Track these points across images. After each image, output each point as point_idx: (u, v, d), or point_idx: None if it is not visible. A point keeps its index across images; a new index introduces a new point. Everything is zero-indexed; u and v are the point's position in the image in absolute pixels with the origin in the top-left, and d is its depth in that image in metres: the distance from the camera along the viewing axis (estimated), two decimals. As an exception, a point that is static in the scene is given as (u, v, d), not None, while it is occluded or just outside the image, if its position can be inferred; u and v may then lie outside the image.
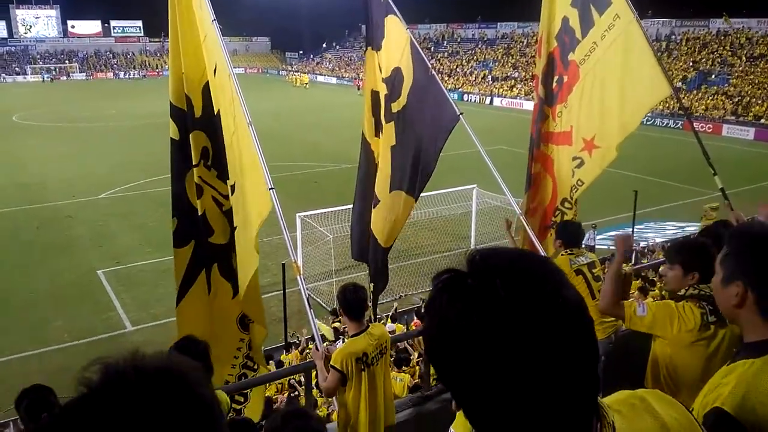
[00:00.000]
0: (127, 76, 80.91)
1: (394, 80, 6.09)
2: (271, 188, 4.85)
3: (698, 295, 3.06)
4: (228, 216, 5.18)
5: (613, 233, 17.54)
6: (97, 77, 79.25)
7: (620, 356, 4.69)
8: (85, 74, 79.96)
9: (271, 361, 9.51)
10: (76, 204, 21.76)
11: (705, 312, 2.99)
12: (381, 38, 6.26)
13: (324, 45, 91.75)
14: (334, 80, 74.77)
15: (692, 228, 8.70)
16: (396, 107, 6.08)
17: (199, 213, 5.18)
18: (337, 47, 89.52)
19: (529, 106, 49.70)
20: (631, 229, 15.85)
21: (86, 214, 20.68)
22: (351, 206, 14.97)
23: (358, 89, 64.13)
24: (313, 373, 4.87)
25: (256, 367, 5.25)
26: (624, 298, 3.46)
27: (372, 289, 6.60)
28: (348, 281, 4.72)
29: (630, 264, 11.25)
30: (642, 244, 15.32)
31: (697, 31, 50.72)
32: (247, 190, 4.82)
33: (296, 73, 77.02)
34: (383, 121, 6.27)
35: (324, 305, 13.06)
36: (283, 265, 11.60)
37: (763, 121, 37.54)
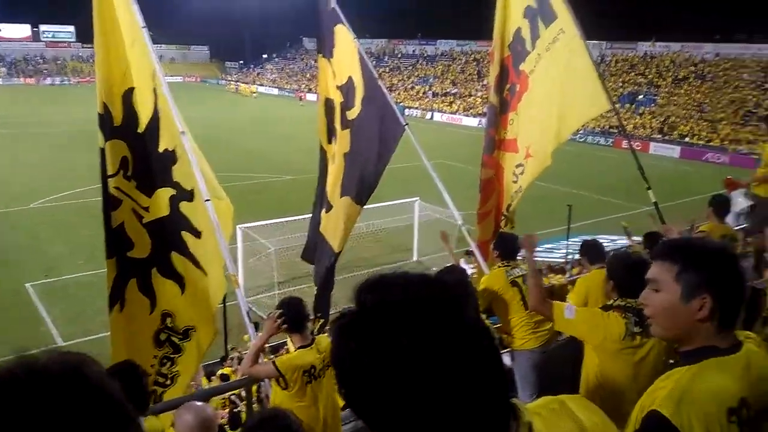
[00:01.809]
0: (58, 82, 77.55)
1: (348, 88, 6.17)
2: (207, 200, 4.81)
3: (624, 307, 3.17)
4: (151, 228, 5.00)
5: (549, 246, 18.15)
6: (26, 82, 75.60)
7: (556, 363, 4.85)
8: (12, 79, 76.09)
9: (213, 377, 9.28)
10: (2, 214, 20.63)
11: (629, 322, 3.08)
12: (332, 46, 6.32)
13: (265, 56, 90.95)
14: (275, 91, 74.22)
15: (623, 241, 9.09)
16: (351, 115, 6.16)
17: (113, 225, 4.92)
18: (278, 59, 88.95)
19: (468, 121, 50.93)
20: (566, 242, 16.40)
21: (14, 224, 19.66)
22: (294, 218, 14.83)
23: (300, 100, 63.94)
24: (254, 388, 4.80)
25: (168, 383, 5.10)
26: None
27: (316, 293, 6.59)
28: (291, 294, 4.70)
29: (562, 275, 11.57)
30: (576, 256, 15.87)
31: (625, 53, 53.41)
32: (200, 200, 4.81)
33: (243, 84, 76.76)
34: (338, 128, 6.33)
35: (266, 318, 12.82)
36: (225, 276, 11.35)
37: (687, 139, 39.77)
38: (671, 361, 1.86)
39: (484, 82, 55.97)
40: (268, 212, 16.75)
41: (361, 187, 6.01)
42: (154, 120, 4.97)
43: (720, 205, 6.10)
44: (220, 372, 9.67)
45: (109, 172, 4.96)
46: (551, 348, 5.07)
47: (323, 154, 6.73)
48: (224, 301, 11.35)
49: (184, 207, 5.04)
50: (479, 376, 0.91)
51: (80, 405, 0.74)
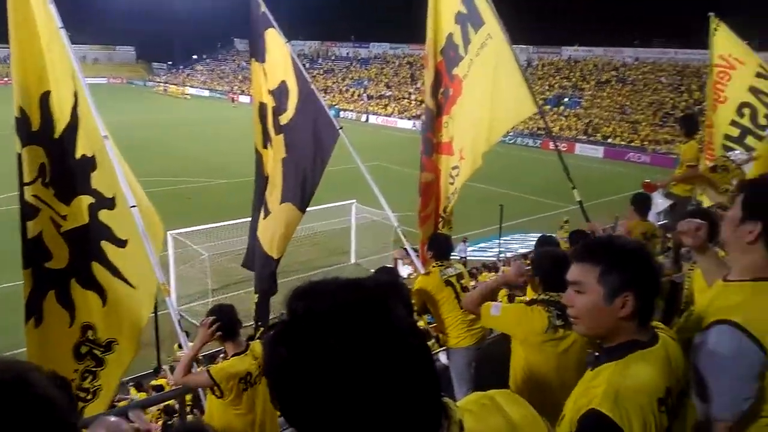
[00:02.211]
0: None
1: (280, 93, 6.12)
2: (133, 206, 4.66)
3: (547, 301, 3.29)
4: (69, 237, 4.76)
5: (482, 245, 18.60)
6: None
7: (490, 360, 4.97)
8: None
9: (149, 391, 8.97)
10: None
11: (552, 315, 3.19)
12: (264, 51, 6.26)
13: (195, 56, 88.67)
14: (206, 93, 72.53)
15: (561, 237, 9.41)
16: (284, 120, 6.11)
17: (31, 235, 4.64)
18: (209, 59, 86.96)
19: (403, 124, 51.45)
20: (498, 242, 16.84)
21: None
22: (228, 222, 14.53)
23: (232, 102, 62.73)
24: (188, 397, 4.68)
25: (89, 397, 4.89)
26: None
27: (257, 300, 6.50)
28: (226, 301, 4.62)
29: (495, 273, 11.83)
30: (508, 254, 16.35)
31: (551, 58, 55.46)
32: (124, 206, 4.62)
33: (173, 85, 74.83)
34: (272, 133, 6.27)
35: (198, 326, 12.50)
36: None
37: (610, 140, 41.71)
38: (596, 354, 1.92)
39: (418, 85, 56.71)
40: (202, 217, 16.34)
41: (301, 192, 5.99)
42: (72, 125, 4.74)
43: (641, 203, 6.42)
44: (153, 383, 9.35)
45: (26, 180, 4.69)
46: (485, 344, 5.20)
47: (259, 158, 6.65)
48: (155, 310, 11.05)
49: (105, 215, 4.82)
50: (409, 377, 0.92)
51: (26, 413, 0.75)
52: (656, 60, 49.49)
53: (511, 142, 39.26)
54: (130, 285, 4.84)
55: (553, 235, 8.85)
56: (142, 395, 8.54)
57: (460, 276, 5.29)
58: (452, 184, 6.71)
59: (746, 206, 2.00)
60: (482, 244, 18.72)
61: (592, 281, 1.80)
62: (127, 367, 5.14)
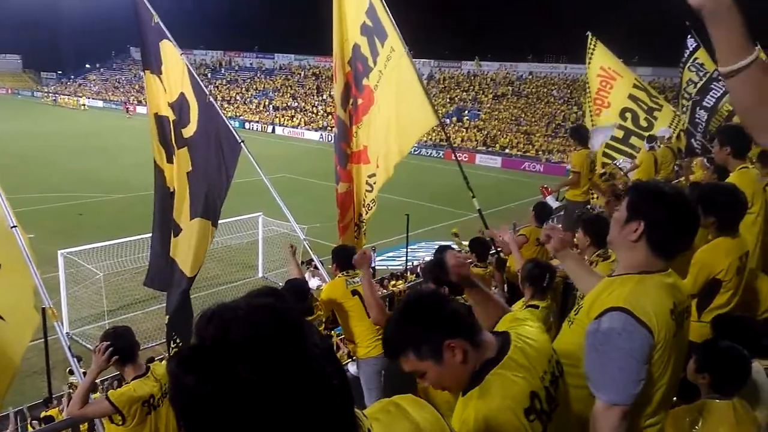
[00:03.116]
0: None
1: (181, 105, 5.92)
2: (14, 226, 4.34)
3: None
4: None
5: (390, 254, 18.85)
6: None
7: (398, 365, 5.04)
8: None
9: (34, 421, 8.30)
10: None
11: None
12: (159, 62, 6.03)
13: (88, 66, 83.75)
14: (100, 103, 68.63)
15: (456, 247, 9.72)
16: (187, 133, 5.91)
17: None
18: (103, 69, 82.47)
19: (310, 135, 51.24)
20: (405, 250, 17.14)
21: None
22: (124, 240, 13.81)
23: (128, 113, 59.82)
24: (83, 427, 4.39)
25: None
26: None
27: (168, 321, 6.20)
28: (123, 322, 4.38)
29: (403, 281, 12.04)
30: (415, 263, 16.67)
31: (452, 71, 57.46)
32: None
33: (64, 96, 70.40)
34: (175, 147, 6.02)
35: (93, 353, 11.76)
36: (44, 309, 10.22)
37: (507, 151, 43.71)
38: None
39: (324, 97, 56.76)
40: (96, 235, 15.42)
41: (212, 206, 5.82)
42: None
43: (542, 211, 6.78)
44: (43, 414, 8.66)
45: None
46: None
47: (160, 172, 6.36)
48: (45, 336, 10.34)
49: None
50: (323, 406, 0.91)
51: None
52: (548, 74, 52.57)
53: (416, 152, 40.18)
54: (2, 318, 4.31)
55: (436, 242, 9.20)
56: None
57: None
58: (370, 191, 6.82)
59: (630, 207, 2.16)
60: (390, 253, 18.99)
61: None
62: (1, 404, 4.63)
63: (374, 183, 6.81)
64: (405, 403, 1.31)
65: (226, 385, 0.86)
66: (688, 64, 11.94)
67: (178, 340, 6.08)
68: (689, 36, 12.06)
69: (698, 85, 11.57)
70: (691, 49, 12.02)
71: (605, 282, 2.25)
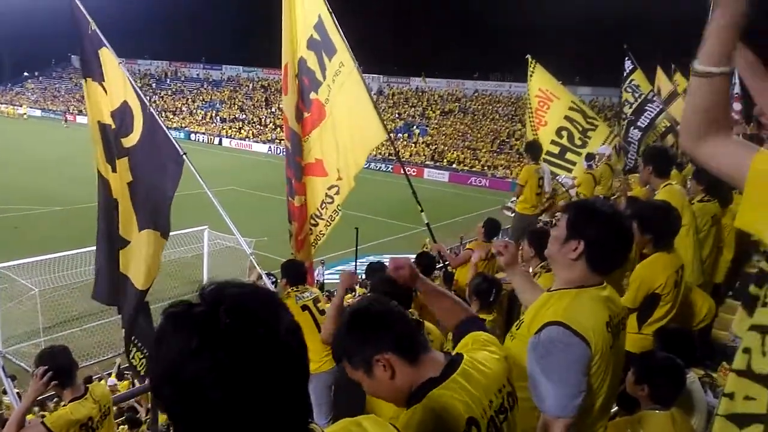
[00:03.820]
0: None
1: (123, 114, 5.75)
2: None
3: None
4: None
5: (339, 268, 18.78)
6: None
7: (350, 384, 5.02)
8: None
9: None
10: None
11: None
12: (99, 70, 5.86)
13: (25, 74, 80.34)
14: (38, 113, 65.89)
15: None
16: (128, 142, 5.74)
17: None
18: (42, 77, 79.31)
19: (258, 147, 50.66)
20: (354, 264, 17.12)
21: None
22: (61, 254, 13.27)
23: (65, 123, 57.65)
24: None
25: None
26: None
27: (125, 332, 5.98)
28: (60, 339, 4.20)
29: (352, 296, 12.02)
30: (363, 276, 16.64)
31: (401, 87, 58.11)
32: None
33: (6, 104, 67.57)
34: (116, 156, 5.85)
35: (29, 369, 11.20)
36: (-28, 328, 9.68)
37: (455, 166, 44.43)
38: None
39: (273, 109, 56.29)
40: (31, 249, 14.72)
41: (160, 217, 5.67)
42: None
43: (491, 228, 6.83)
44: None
45: None
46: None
47: (104, 182, 6.14)
48: (-26, 355, 9.79)
49: None
50: (291, 378, 0.96)
51: None
52: (494, 92, 53.86)
53: (365, 166, 39.77)
54: None
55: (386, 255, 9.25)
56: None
57: (316, 300, 5.30)
58: (331, 203, 6.82)
59: (569, 226, 2.21)
60: (339, 267, 18.91)
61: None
62: None
63: (335, 194, 6.83)
64: (368, 423, 1.31)
65: (209, 336, 0.91)
66: (625, 85, 12.51)
67: (136, 349, 5.88)
68: (626, 58, 12.66)
69: (633, 106, 12.15)
70: (627, 70, 12.61)
71: (544, 297, 2.31)
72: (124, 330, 6.08)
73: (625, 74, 12.60)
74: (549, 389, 2.05)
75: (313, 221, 6.93)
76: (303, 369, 1.01)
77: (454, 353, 1.83)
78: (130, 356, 5.96)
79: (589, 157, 10.03)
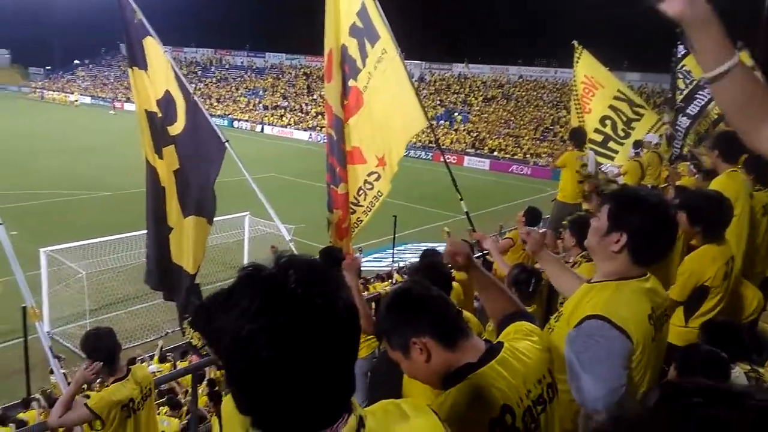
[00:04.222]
0: None
1: (167, 102, 5.89)
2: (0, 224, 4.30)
3: None
4: None
5: (377, 255, 18.81)
6: None
7: (386, 370, 5.01)
8: None
9: (11, 424, 8.14)
10: None
11: None
12: (144, 59, 5.98)
13: (77, 62, 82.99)
14: (88, 100, 68.07)
15: (443, 248, 9.69)
16: (174, 130, 5.89)
17: None
18: (92, 65, 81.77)
19: (299, 135, 51.11)
20: (392, 251, 17.11)
21: None
22: (108, 238, 13.66)
23: (113, 110, 59.36)
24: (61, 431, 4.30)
25: None
26: None
27: (179, 318, 6.19)
28: (105, 321, 4.32)
29: (389, 283, 12.00)
30: (401, 264, 16.64)
31: (443, 74, 57.56)
32: None
33: (51, 92, 70.14)
34: (162, 144, 5.99)
35: (75, 350, 11.63)
36: (24, 308, 10.07)
37: (496, 153, 43.87)
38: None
39: (314, 97, 56.59)
40: (79, 233, 15.23)
41: (205, 203, 5.82)
42: None
43: (532, 216, 6.68)
44: (20, 416, 8.51)
45: None
46: (382, 352, 5.25)
47: (152, 169, 6.31)
48: (25, 335, 10.20)
49: None
50: (346, 349, 1.04)
51: None
52: (538, 78, 52.80)
53: (405, 154, 39.99)
54: None
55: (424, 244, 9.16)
56: (7, 430, 7.77)
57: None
58: (371, 189, 6.83)
59: (611, 217, 2.12)
60: (377, 254, 18.94)
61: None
62: None
63: (374, 180, 6.83)
64: (406, 405, 1.29)
65: (277, 298, 0.96)
66: (676, 71, 12.04)
67: (191, 326, 6.07)
68: (679, 42, 12.16)
69: (684, 93, 11.67)
70: (680, 55, 12.11)
71: (584, 288, 2.24)
72: (179, 309, 6.26)
73: (676, 59, 12.12)
74: (589, 383, 1.99)
75: (351, 209, 6.94)
76: (353, 346, 1.06)
77: (495, 341, 1.82)
78: (188, 335, 6.14)
79: (637, 144, 9.72)
